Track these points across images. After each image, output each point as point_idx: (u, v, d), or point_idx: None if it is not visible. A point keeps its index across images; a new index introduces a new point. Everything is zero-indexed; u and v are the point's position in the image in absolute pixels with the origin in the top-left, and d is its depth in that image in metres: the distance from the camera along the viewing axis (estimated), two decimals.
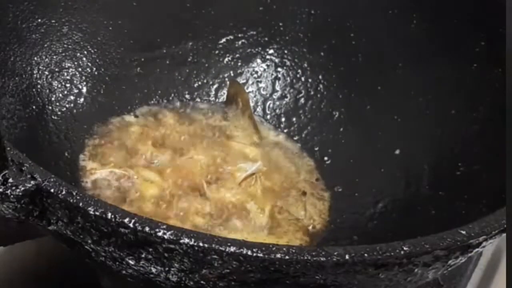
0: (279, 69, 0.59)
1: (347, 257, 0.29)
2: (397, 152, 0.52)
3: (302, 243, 0.49)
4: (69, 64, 0.54)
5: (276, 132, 0.58)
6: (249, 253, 0.29)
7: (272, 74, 0.59)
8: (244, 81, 0.59)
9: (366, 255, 0.30)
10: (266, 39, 0.59)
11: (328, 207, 0.52)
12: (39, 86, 0.51)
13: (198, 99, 0.58)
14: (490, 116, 0.47)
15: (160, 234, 0.29)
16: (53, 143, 0.50)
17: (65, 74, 0.53)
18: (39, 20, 0.51)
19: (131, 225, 0.29)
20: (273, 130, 0.58)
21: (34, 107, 0.49)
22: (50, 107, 0.51)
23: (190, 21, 0.58)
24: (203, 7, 0.58)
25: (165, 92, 0.58)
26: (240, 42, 0.59)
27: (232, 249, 0.29)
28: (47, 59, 0.52)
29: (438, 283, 0.51)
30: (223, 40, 0.59)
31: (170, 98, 0.58)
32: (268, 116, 0.59)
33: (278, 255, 0.29)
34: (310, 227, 0.50)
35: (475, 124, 0.48)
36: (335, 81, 0.57)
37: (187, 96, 0.58)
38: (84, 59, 0.54)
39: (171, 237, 0.29)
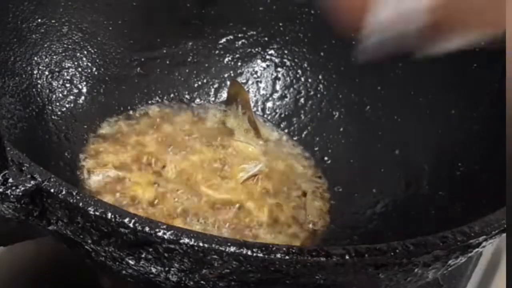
0: (279, 69, 0.59)
1: (347, 257, 0.29)
2: (397, 152, 0.52)
3: (302, 243, 0.49)
4: (69, 64, 0.54)
5: (276, 132, 0.58)
6: (249, 253, 0.29)
7: (272, 74, 0.59)
8: (244, 81, 0.59)
9: (366, 255, 0.30)
10: (266, 39, 0.59)
11: (328, 207, 0.52)
12: (39, 86, 0.51)
13: (198, 99, 0.58)
14: (490, 116, 0.47)
15: (160, 234, 0.29)
16: (53, 143, 0.50)
17: (65, 74, 0.53)
18: (39, 20, 0.51)
19: (131, 225, 0.29)
20: (273, 130, 0.58)
21: (34, 107, 0.49)
22: (50, 107, 0.51)
23: (190, 21, 0.58)
24: (203, 7, 0.58)
25: (165, 92, 0.58)
26: (240, 42, 0.59)
27: (232, 249, 0.29)
28: (47, 59, 0.52)
29: (438, 283, 0.51)
30: (223, 40, 0.59)
31: (170, 98, 0.58)
32: (268, 116, 0.59)
33: (278, 255, 0.29)
34: (310, 227, 0.50)
35: (475, 124, 0.48)
36: (335, 81, 0.57)
37: (187, 96, 0.58)
38: (84, 59, 0.54)
39: (171, 237, 0.29)
